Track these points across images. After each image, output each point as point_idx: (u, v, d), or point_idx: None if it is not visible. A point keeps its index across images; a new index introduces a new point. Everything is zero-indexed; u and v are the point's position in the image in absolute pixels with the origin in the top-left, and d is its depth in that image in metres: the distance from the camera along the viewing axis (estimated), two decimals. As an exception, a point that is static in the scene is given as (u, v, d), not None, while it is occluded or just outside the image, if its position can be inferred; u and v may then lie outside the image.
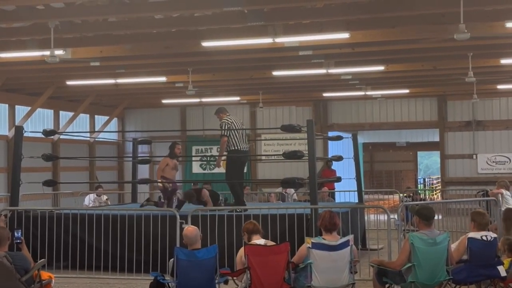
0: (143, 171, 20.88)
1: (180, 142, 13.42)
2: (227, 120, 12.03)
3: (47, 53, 11.28)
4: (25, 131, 12.53)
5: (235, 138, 11.93)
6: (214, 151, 24.02)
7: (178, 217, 10.61)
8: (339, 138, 14.21)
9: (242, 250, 7.63)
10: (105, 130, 24.05)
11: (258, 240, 7.83)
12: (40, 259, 8.23)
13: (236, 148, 11.94)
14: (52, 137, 19.86)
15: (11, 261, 7.32)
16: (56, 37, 11.17)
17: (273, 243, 8.04)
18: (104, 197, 17.06)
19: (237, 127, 11.97)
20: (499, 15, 11.15)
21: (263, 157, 23.25)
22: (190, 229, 7.85)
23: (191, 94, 17.31)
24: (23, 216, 11.86)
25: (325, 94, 21.82)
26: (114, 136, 24.60)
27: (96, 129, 23.91)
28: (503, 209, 12.35)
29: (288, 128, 11.68)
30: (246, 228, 8.04)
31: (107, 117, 24.62)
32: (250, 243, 7.77)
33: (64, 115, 22.60)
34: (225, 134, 11.88)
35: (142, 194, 17.46)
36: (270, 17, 10.97)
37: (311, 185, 11.23)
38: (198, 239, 7.75)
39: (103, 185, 18.31)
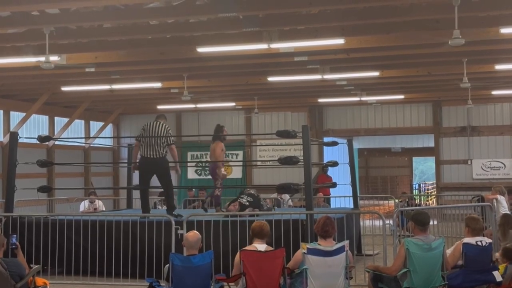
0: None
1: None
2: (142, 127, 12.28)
3: (42, 59, 11.26)
4: (20, 137, 12.50)
5: (142, 145, 12.04)
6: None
7: (173, 222, 10.61)
8: (334, 143, 14.23)
9: (239, 253, 7.62)
10: (100, 136, 24.02)
11: (259, 245, 7.76)
12: (35, 265, 8.21)
13: (142, 155, 12.11)
14: (47, 143, 19.79)
15: (6, 267, 7.31)
16: (51, 43, 11.15)
17: (272, 249, 7.97)
18: (96, 204, 16.97)
19: (145, 134, 12.04)
20: (494, 21, 11.17)
21: (259, 163, 23.26)
22: (192, 234, 7.83)
23: (186, 100, 17.31)
24: (18, 222, 11.83)
25: (320, 100, 21.84)
26: (109, 142, 24.56)
27: (91, 135, 23.87)
28: (498, 214, 12.41)
29: (284, 134, 11.69)
30: (253, 228, 7.93)
31: (102, 123, 24.58)
32: (246, 248, 7.76)
33: (59, 121, 22.57)
34: (137, 139, 12.20)
35: (137, 200, 17.40)
36: (265, 23, 10.98)
37: (306, 190, 11.24)
38: (197, 246, 7.72)
39: (98, 191, 18.24)
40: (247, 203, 12.24)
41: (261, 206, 12.51)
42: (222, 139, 13.04)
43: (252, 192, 12.87)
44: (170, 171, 12.33)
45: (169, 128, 12.19)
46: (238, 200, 12.33)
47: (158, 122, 12.12)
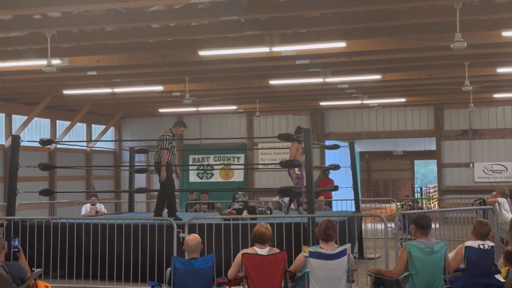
0: (140, 180, 20.85)
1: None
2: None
3: (44, 62, 11.28)
4: (21, 141, 12.51)
5: None
6: (211, 160, 24.07)
7: (175, 226, 10.61)
8: (336, 147, 14.23)
9: (240, 254, 7.58)
10: (102, 139, 24.04)
11: (260, 250, 7.71)
12: (36, 269, 8.21)
13: None
14: (48, 146, 19.86)
15: (8, 270, 7.31)
16: (53, 47, 11.17)
17: (277, 250, 7.94)
18: (98, 207, 16.95)
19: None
20: (495, 24, 11.18)
21: (260, 166, 23.26)
22: (192, 238, 7.80)
23: (188, 103, 17.34)
24: (19, 226, 11.83)
25: (322, 103, 21.84)
26: (111, 145, 24.58)
27: (93, 138, 23.88)
28: (500, 217, 12.39)
29: (285, 137, 11.69)
30: (254, 234, 7.82)
31: (103, 126, 24.60)
32: (247, 251, 7.73)
33: (61, 124, 22.59)
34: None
35: (139, 203, 17.43)
36: (267, 26, 10.98)
37: (308, 194, 11.23)
38: (198, 249, 7.69)
39: (99, 194, 18.23)
40: (241, 207, 12.71)
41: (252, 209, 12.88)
42: (299, 140, 13.14)
43: (240, 199, 13.21)
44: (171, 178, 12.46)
45: (167, 134, 12.35)
46: (232, 207, 12.66)
47: (168, 129, 12.58)
